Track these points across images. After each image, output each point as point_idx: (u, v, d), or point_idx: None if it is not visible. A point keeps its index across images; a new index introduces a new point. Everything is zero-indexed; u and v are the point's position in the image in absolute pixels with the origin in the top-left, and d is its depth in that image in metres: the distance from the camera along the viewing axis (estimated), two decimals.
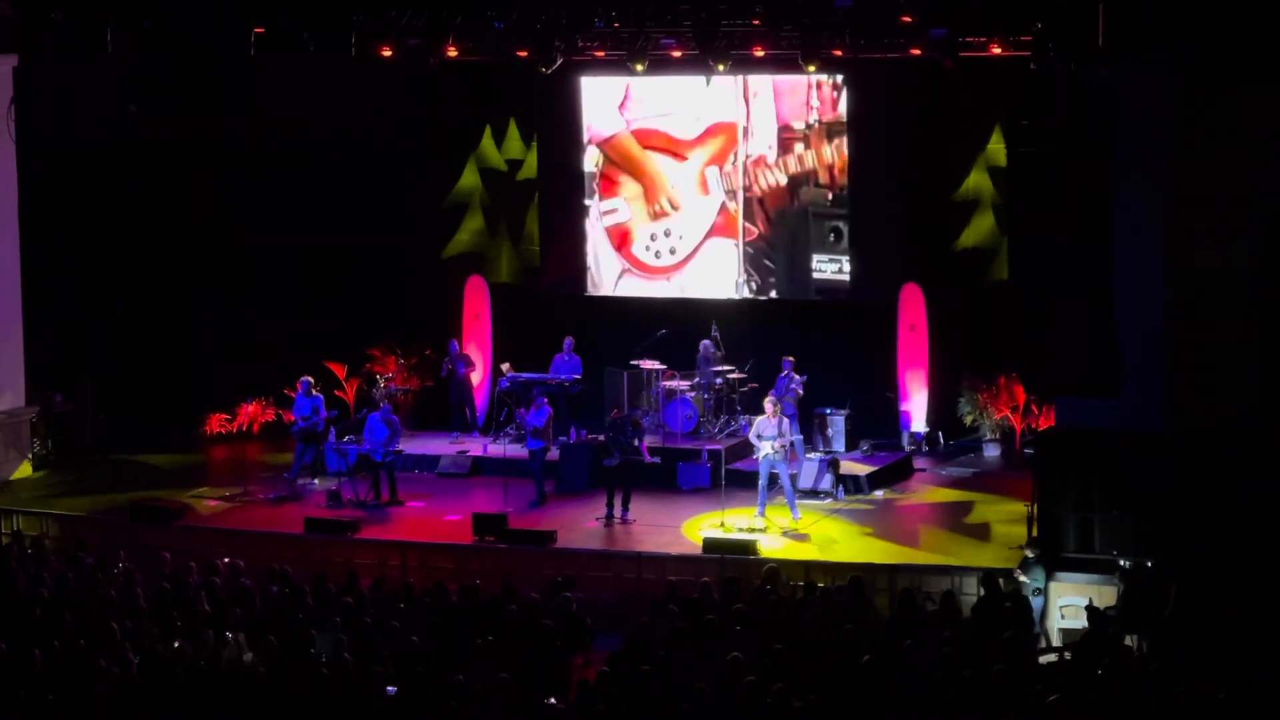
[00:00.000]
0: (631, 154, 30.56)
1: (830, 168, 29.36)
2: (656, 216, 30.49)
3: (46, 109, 29.11)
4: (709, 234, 30.18)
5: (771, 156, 29.60)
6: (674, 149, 30.27)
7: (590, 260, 30.95)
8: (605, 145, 30.64)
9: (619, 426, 25.72)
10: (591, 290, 31.05)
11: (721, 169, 29.97)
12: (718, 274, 30.20)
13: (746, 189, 29.84)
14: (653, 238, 30.59)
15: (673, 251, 30.47)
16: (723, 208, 30.01)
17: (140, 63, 27.59)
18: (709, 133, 30.01)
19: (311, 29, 25.93)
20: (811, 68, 25.69)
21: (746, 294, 30.03)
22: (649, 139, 30.41)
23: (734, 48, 25.50)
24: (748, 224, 29.88)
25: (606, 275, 30.93)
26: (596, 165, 30.69)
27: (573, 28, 26.08)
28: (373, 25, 26.20)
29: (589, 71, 29.67)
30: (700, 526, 24.88)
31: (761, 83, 29.42)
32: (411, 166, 31.58)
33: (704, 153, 30.08)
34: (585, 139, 30.73)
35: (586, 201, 30.77)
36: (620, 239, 30.78)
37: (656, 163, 30.41)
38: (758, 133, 29.65)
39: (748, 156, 29.72)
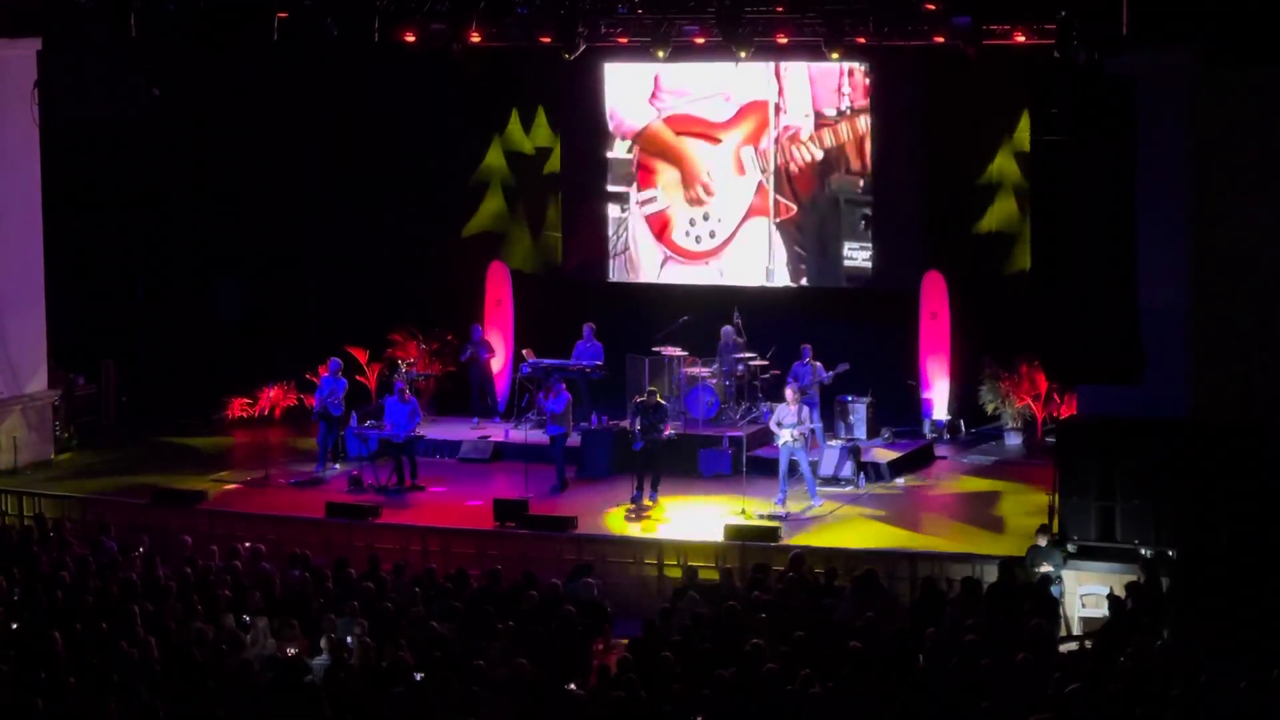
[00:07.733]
0: (666, 141, 30.46)
1: (862, 153, 29.33)
2: (694, 202, 30.46)
3: (70, 92, 29.12)
4: (747, 215, 30.11)
5: (805, 132, 29.53)
6: (707, 132, 30.19)
7: (631, 249, 30.88)
8: (638, 137, 30.58)
9: (646, 410, 25.65)
10: (632, 279, 30.98)
11: (756, 148, 29.88)
12: (757, 255, 30.12)
13: (782, 166, 29.77)
14: (691, 223, 30.51)
15: (712, 235, 30.40)
16: (759, 187, 29.93)
17: (164, 46, 27.60)
18: (742, 113, 29.92)
19: (335, 13, 25.91)
20: (835, 55, 25.66)
21: (778, 282, 29.95)
22: (681, 125, 30.32)
23: (757, 34, 25.43)
24: (784, 201, 29.84)
25: (648, 264, 30.84)
26: (631, 156, 30.64)
27: (596, 13, 26.05)
28: (396, 10, 26.18)
29: (612, 58, 29.62)
30: (721, 513, 24.88)
31: (794, 62, 29.34)
32: (434, 152, 31.56)
33: (738, 134, 29.99)
34: (611, 128, 30.67)
35: (611, 188, 30.71)
36: (660, 227, 30.69)
37: (691, 148, 30.36)
38: (791, 108, 29.57)
39: (784, 129, 29.64)
